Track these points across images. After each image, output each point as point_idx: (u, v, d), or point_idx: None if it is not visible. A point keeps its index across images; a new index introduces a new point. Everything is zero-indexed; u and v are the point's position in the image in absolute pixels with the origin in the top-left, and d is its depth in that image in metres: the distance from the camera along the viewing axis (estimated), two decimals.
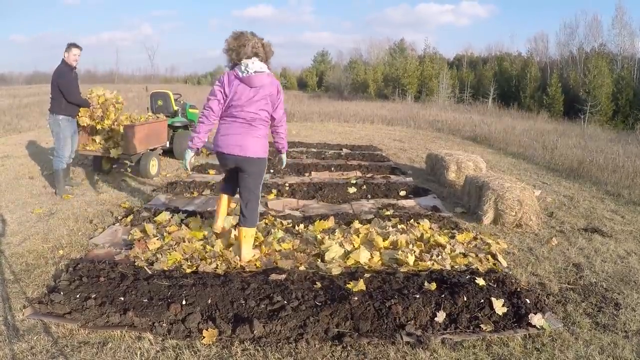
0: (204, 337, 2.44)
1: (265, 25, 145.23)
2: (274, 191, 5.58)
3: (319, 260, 3.48)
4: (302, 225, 4.20)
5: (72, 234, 4.05)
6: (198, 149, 3.32)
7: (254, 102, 3.12)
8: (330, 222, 4.28)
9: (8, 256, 3.51)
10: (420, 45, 57.76)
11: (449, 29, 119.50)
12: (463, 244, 3.88)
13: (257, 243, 3.76)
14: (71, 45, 5.19)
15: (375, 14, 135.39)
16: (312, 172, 6.92)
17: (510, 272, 3.43)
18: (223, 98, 3.14)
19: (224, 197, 3.78)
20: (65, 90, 5.12)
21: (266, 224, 4.28)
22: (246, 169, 3.25)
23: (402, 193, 5.75)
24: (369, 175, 6.88)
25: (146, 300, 2.75)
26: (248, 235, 3.42)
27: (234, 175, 3.45)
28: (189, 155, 3.33)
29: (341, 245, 3.63)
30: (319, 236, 3.86)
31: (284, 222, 4.32)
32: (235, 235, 3.70)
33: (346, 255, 3.52)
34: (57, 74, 5.14)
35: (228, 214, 4.18)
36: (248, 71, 3.06)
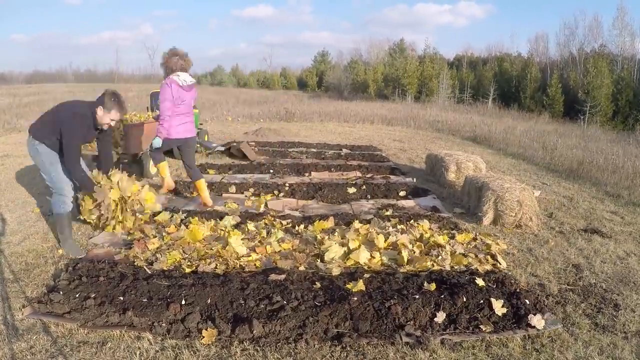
0: (203, 337, 2.45)
1: (264, 25, 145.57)
2: (274, 191, 5.58)
3: (319, 260, 3.48)
4: (301, 226, 4.20)
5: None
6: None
7: (190, 101, 4.63)
8: (330, 223, 4.28)
9: (7, 255, 3.51)
10: (420, 45, 57.95)
11: (448, 29, 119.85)
12: (463, 244, 3.88)
13: (256, 243, 3.76)
14: (114, 101, 3.45)
15: (374, 14, 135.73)
16: (312, 172, 6.92)
17: (510, 273, 3.43)
18: (173, 99, 4.41)
19: (165, 163, 4.93)
20: (66, 144, 3.38)
21: (266, 224, 4.28)
22: (190, 144, 4.82)
23: (402, 193, 5.75)
24: (369, 175, 6.89)
25: (145, 300, 2.75)
26: (202, 185, 4.84)
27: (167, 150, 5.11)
28: (157, 140, 4.49)
29: (341, 245, 3.63)
30: (318, 236, 3.86)
31: (284, 222, 4.32)
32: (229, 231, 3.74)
33: (346, 255, 3.52)
34: (71, 116, 3.40)
35: (227, 214, 4.27)
36: (186, 81, 4.49)
